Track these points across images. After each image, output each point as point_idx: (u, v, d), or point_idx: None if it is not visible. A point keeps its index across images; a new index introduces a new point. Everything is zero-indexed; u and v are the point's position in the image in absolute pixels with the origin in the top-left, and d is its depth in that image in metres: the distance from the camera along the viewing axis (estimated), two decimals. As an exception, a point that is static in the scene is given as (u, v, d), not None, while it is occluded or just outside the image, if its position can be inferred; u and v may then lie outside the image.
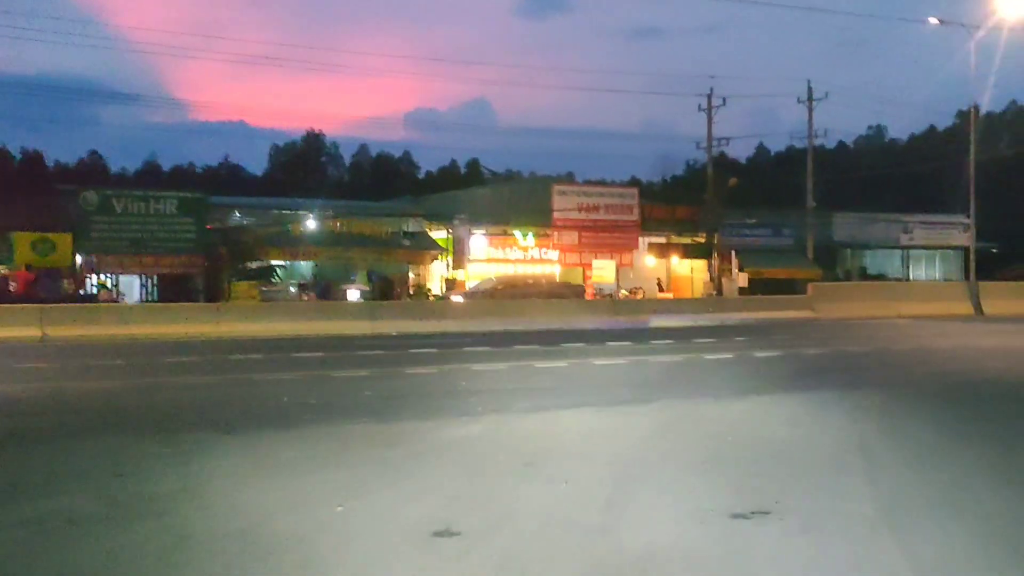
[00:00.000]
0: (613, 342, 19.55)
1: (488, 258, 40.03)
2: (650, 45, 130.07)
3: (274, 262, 38.10)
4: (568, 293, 33.17)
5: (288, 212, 40.20)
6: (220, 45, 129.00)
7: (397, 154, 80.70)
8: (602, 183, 48.36)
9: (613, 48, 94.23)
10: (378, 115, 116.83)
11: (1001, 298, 31.79)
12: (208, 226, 35.24)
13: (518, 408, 9.87)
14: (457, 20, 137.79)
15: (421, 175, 76.84)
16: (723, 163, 75.67)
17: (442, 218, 40.58)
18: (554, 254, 41.18)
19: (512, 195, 44.38)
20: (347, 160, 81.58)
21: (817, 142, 46.35)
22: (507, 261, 40.40)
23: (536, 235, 40.75)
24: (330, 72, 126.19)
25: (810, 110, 44.95)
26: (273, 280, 37.67)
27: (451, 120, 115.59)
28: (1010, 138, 62.35)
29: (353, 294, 34.87)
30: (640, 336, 21.34)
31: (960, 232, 48.77)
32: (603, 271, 40.73)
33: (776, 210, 47.29)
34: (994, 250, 47.10)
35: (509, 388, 11.86)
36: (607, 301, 30.08)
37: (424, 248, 39.88)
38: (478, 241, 39.48)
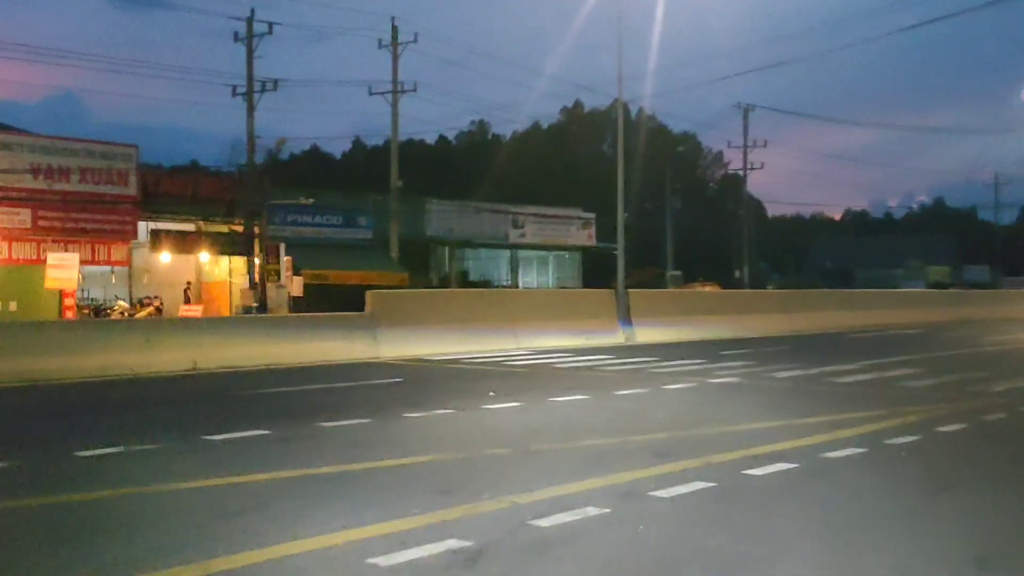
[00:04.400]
0: None
1: None
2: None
3: None
4: None
5: None
6: None
7: None
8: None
9: (211, 46, 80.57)
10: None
11: (647, 314, 21.55)
12: None
13: None
14: (48, 10, 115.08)
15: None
16: (316, 156, 63.99)
17: None
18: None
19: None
20: None
21: (417, 135, 35.48)
22: None
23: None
24: None
25: (395, 56, 33.08)
26: None
27: (35, 115, 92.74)
28: (612, 137, 58.44)
29: None
30: None
31: (578, 229, 40.03)
32: (63, 271, 25.05)
33: (349, 194, 35.04)
34: (615, 251, 38.75)
35: None
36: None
37: None
38: None
